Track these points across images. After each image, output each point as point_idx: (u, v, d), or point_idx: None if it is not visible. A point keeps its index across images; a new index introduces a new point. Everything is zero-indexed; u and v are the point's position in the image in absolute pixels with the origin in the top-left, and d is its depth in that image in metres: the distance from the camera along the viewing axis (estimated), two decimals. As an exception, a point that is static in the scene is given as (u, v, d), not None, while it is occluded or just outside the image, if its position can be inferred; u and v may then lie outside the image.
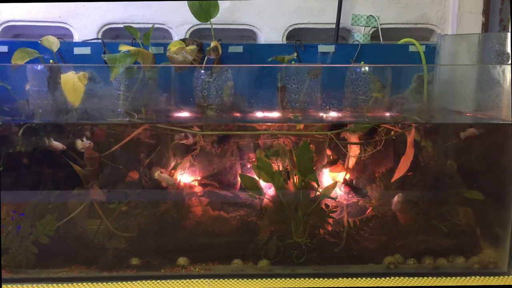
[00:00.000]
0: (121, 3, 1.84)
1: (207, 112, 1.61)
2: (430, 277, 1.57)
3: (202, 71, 1.61)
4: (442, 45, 1.84)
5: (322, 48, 1.82)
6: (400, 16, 1.93)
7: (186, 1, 1.70)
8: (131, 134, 1.57)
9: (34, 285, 1.50)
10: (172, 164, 1.64)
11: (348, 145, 1.64)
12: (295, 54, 1.72)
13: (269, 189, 1.62)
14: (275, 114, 1.65)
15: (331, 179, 1.66)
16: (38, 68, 1.56)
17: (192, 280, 1.54)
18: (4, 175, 1.54)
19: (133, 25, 1.72)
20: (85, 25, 1.85)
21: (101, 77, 1.56)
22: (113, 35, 1.91)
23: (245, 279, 1.55)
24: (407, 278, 1.57)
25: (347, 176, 1.64)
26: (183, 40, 1.66)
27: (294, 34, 1.91)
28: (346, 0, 1.88)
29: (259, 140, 1.65)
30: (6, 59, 1.65)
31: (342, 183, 1.64)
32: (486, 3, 1.93)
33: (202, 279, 1.55)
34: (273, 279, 1.55)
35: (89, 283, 1.52)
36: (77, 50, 1.74)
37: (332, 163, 1.63)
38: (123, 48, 1.57)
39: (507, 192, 1.62)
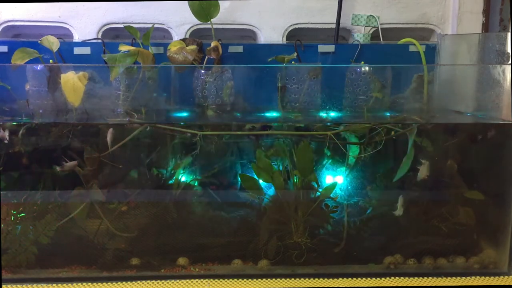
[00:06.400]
0: (121, 3, 1.84)
1: (207, 112, 1.61)
2: (430, 277, 1.57)
3: (202, 71, 1.61)
4: (442, 45, 1.84)
5: (322, 48, 1.81)
6: (400, 16, 1.93)
7: (186, 1, 1.70)
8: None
9: (34, 285, 1.50)
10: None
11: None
12: (295, 54, 1.72)
13: (269, 189, 1.63)
14: (275, 114, 1.65)
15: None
16: (38, 68, 1.56)
17: (192, 280, 1.54)
18: (4, 175, 1.54)
19: (133, 25, 1.72)
20: (85, 25, 1.85)
21: (101, 77, 1.56)
22: (113, 35, 1.91)
23: (245, 279, 1.55)
24: (407, 278, 1.57)
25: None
26: (183, 40, 1.66)
27: (294, 34, 1.91)
28: (346, 0, 1.88)
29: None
30: (6, 59, 1.65)
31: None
32: (486, 3, 1.93)
33: (202, 279, 1.55)
34: (273, 279, 1.55)
35: (89, 283, 1.52)
36: (77, 50, 1.74)
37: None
38: (123, 48, 1.57)
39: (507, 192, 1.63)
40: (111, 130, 1.52)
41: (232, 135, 1.64)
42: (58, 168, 1.53)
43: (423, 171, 1.59)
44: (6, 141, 1.52)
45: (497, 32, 1.91)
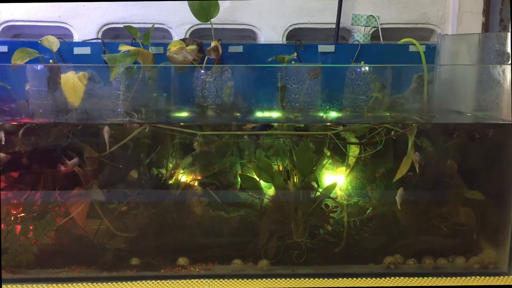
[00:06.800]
0: (121, 3, 1.84)
1: (207, 112, 1.61)
2: (430, 277, 1.57)
3: (202, 71, 1.61)
4: (442, 45, 1.84)
5: (322, 48, 1.81)
6: (400, 16, 1.93)
7: (186, 1, 1.70)
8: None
9: (34, 285, 1.50)
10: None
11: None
12: (295, 54, 1.72)
13: (269, 189, 1.63)
14: (275, 114, 1.65)
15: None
16: (38, 68, 1.56)
17: (192, 280, 1.54)
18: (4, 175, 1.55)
19: (133, 25, 1.72)
20: (85, 25, 1.85)
21: (101, 77, 1.56)
22: (113, 35, 1.91)
23: (245, 279, 1.55)
24: (407, 278, 1.57)
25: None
26: (183, 40, 1.66)
27: (294, 34, 1.91)
28: (346, 0, 1.88)
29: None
30: (6, 59, 1.65)
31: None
32: (486, 3, 1.93)
33: (202, 279, 1.55)
34: (273, 279, 1.55)
35: (89, 283, 1.52)
36: (77, 50, 1.74)
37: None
38: (123, 48, 1.57)
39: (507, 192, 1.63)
40: (106, 128, 1.52)
41: (232, 135, 1.64)
42: (62, 167, 1.53)
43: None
44: (3, 142, 1.52)
45: (497, 32, 1.91)
